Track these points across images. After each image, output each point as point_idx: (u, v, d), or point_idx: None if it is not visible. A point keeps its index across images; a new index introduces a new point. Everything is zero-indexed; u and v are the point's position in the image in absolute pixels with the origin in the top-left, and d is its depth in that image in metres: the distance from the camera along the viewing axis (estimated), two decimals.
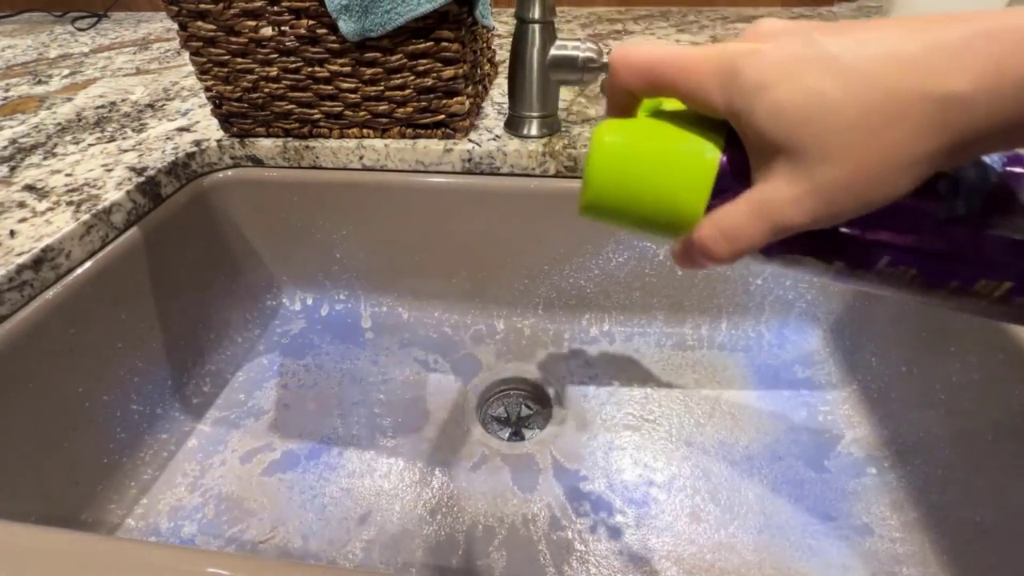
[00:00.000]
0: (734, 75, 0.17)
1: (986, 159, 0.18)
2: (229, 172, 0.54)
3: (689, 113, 0.20)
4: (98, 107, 0.61)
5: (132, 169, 0.47)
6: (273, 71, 0.47)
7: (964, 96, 0.14)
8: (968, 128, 0.15)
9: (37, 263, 0.38)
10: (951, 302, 0.20)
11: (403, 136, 0.50)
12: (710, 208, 0.19)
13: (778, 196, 0.17)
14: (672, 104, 0.21)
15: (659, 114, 0.21)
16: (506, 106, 0.51)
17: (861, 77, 0.15)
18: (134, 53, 0.79)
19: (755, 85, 0.17)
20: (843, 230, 0.19)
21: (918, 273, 0.19)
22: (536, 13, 0.44)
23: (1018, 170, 0.18)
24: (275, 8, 0.44)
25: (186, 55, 0.75)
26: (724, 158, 0.19)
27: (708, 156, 0.19)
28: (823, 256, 0.19)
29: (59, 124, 0.57)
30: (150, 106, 0.60)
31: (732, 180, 0.19)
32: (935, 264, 0.18)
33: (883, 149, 0.15)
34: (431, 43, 0.44)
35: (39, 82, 0.69)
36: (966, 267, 0.18)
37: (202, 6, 0.44)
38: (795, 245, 0.19)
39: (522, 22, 0.44)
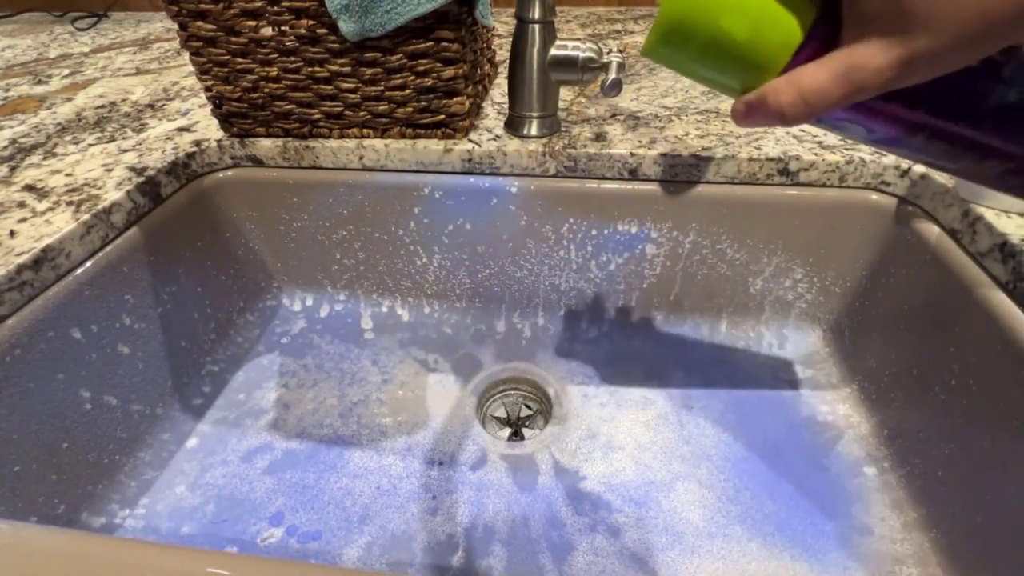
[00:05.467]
0: None
1: None
2: (229, 172, 0.54)
3: None
4: (98, 107, 0.61)
5: (132, 169, 0.48)
6: (273, 71, 0.47)
7: None
8: None
9: (37, 263, 0.38)
10: (969, 172, 0.21)
11: (403, 136, 0.50)
12: (786, 68, 0.20)
13: (869, 63, 0.17)
14: None
15: None
16: (506, 106, 0.52)
17: None
18: (134, 53, 0.79)
19: None
20: (897, 104, 0.19)
21: (949, 149, 0.20)
22: (536, 13, 0.44)
23: None
24: (275, 8, 0.44)
25: (186, 55, 0.75)
26: (817, 19, 0.19)
27: (802, 12, 0.19)
28: (869, 123, 0.20)
29: (59, 124, 0.57)
30: (150, 106, 0.60)
31: (818, 43, 0.19)
32: (968, 141, 0.20)
33: (982, 17, 0.16)
34: (431, 43, 0.44)
35: (39, 82, 0.69)
36: (988, 147, 0.20)
37: (202, 6, 0.44)
38: (851, 109, 0.20)
39: (522, 22, 0.44)
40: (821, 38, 0.19)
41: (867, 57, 0.18)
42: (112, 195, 0.44)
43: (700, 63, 0.21)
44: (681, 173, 0.48)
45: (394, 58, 0.45)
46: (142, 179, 0.46)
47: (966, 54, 0.17)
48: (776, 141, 0.48)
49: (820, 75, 0.18)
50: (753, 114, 0.20)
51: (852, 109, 0.20)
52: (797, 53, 0.19)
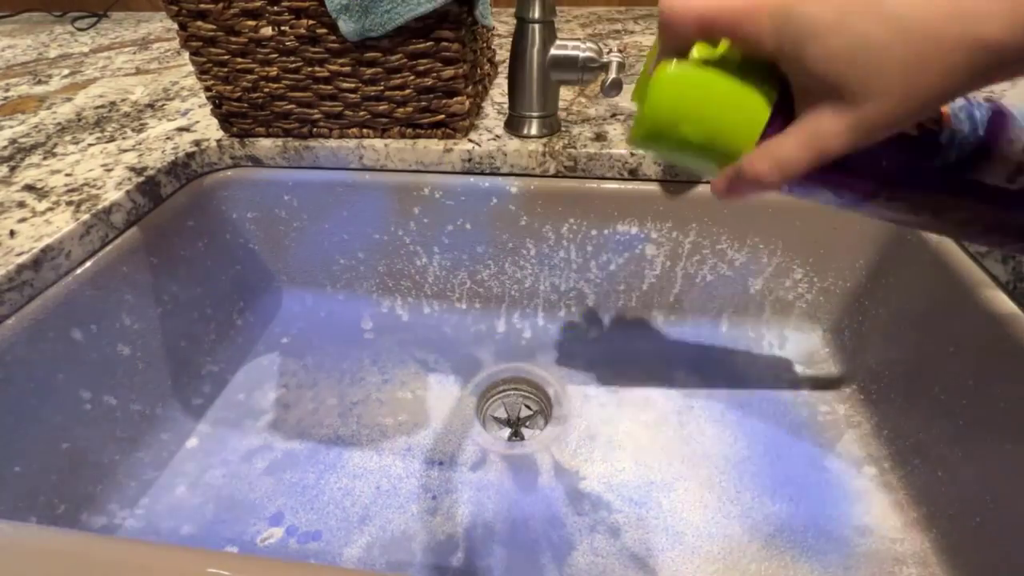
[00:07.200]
0: (786, 22, 0.19)
1: (976, 112, 0.22)
2: (229, 172, 0.54)
3: (740, 54, 0.22)
4: (98, 107, 0.61)
5: (132, 169, 0.47)
6: (273, 71, 0.47)
7: (995, 41, 0.16)
8: (995, 68, 0.17)
9: (37, 263, 0.38)
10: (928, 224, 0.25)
11: (403, 136, 0.50)
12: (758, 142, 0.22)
13: (826, 129, 0.20)
14: (722, 46, 0.23)
15: (714, 56, 0.23)
16: (506, 106, 0.51)
17: (905, 23, 0.17)
18: (134, 53, 0.79)
19: (807, 33, 0.19)
20: (851, 174, 0.23)
21: (908, 205, 0.24)
22: (536, 13, 0.44)
23: (998, 125, 0.22)
24: (275, 8, 0.44)
25: (186, 55, 0.75)
26: (775, 97, 0.22)
27: (764, 96, 0.22)
28: (836, 188, 0.24)
29: (59, 124, 0.57)
30: (150, 106, 0.60)
31: (779, 117, 0.22)
32: (919, 196, 0.23)
33: (919, 88, 0.18)
34: (431, 43, 0.44)
35: (39, 82, 0.69)
36: (946, 203, 0.23)
37: (202, 6, 0.44)
38: (819, 176, 0.23)
39: (522, 22, 0.44)
40: (783, 115, 0.22)
41: (824, 124, 0.20)
42: (112, 195, 0.44)
43: (677, 157, 0.24)
44: (681, 173, 0.48)
45: (394, 58, 0.45)
46: (142, 179, 0.46)
47: (905, 118, 0.19)
48: None
49: (787, 143, 0.21)
50: (733, 187, 0.23)
51: (816, 180, 0.23)
52: (764, 132, 0.22)
